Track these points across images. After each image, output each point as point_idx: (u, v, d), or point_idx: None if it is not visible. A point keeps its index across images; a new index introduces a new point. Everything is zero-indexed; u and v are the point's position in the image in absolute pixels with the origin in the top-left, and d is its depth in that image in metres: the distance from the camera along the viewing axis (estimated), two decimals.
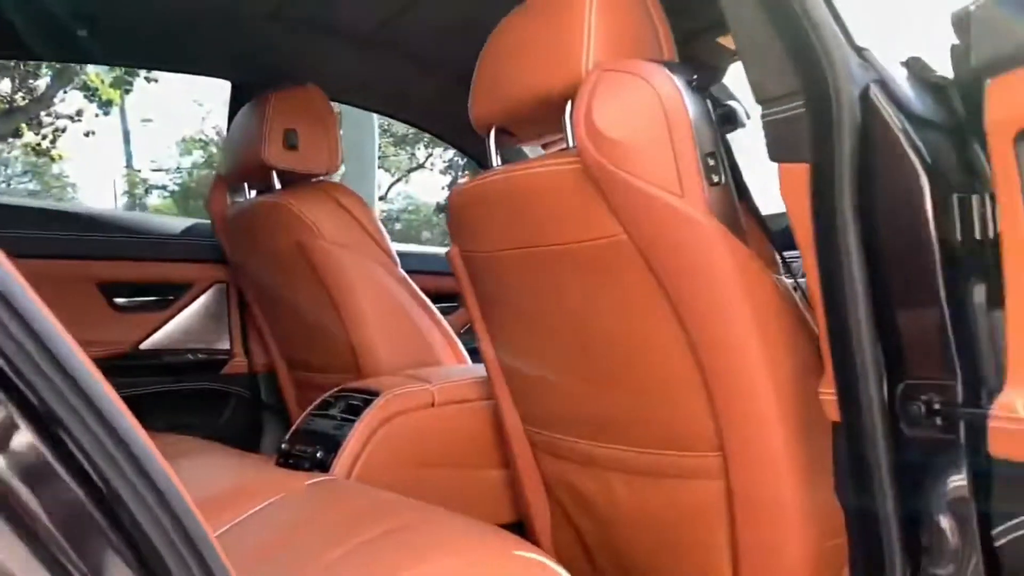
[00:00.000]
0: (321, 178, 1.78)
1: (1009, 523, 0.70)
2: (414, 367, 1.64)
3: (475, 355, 1.50)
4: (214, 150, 13.09)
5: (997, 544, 0.69)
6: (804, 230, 0.88)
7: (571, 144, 1.01)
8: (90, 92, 8.67)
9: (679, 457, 1.06)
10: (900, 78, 0.83)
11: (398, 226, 15.12)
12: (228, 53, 1.90)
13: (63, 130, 9.28)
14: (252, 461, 1.48)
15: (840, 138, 0.83)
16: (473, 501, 1.40)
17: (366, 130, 5.65)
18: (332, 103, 1.82)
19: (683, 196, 0.94)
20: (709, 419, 1.01)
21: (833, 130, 0.83)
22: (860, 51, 0.84)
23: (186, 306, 1.96)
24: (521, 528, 1.41)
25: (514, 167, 1.10)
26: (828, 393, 0.90)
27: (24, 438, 0.37)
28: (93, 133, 9.53)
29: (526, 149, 1.64)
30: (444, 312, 1.85)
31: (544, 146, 1.41)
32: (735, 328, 0.95)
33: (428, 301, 1.77)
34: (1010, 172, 0.69)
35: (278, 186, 1.74)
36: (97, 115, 9.27)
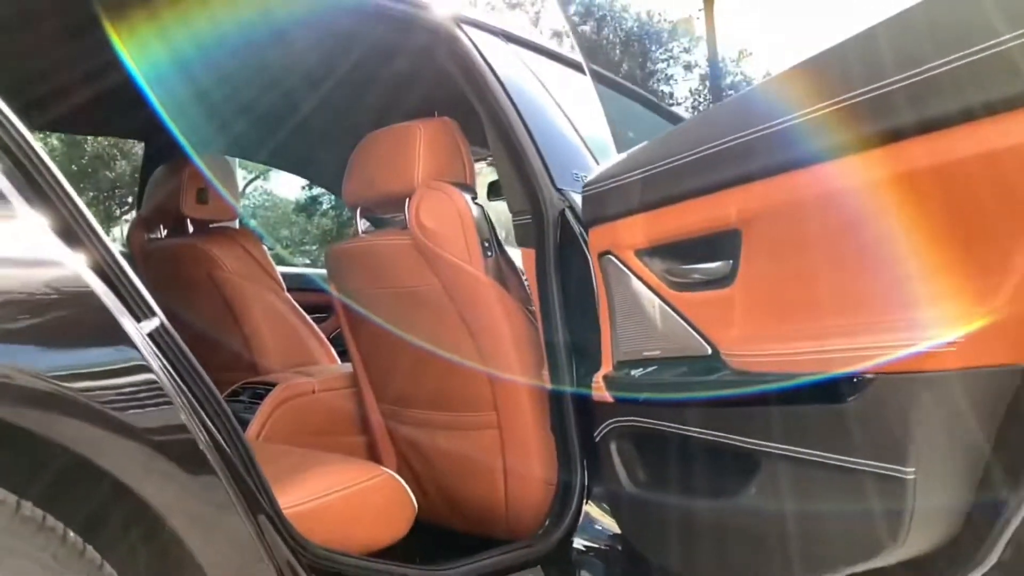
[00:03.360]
0: (224, 224, 2.36)
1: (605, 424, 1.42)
2: (298, 366, 2.26)
3: (343, 356, 2.12)
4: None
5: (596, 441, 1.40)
6: (532, 279, 1.59)
7: (407, 226, 1.68)
8: None
9: (471, 416, 1.74)
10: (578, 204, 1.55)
11: (254, 222, 15.03)
12: (143, 119, 2.43)
13: None
14: None
15: (548, 236, 1.54)
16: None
17: None
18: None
19: (471, 263, 1.63)
20: (488, 392, 1.70)
21: (545, 232, 1.55)
22: (559, 190, 1.56)
23: None
24: None
25: (373, 237, 1.76)
26: (546, 374, 1.62)
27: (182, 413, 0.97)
28: None
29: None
30: (317, 321, 2.47)
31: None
32: (501, 337, 1.65)
33: (306, 315, 2.39)
34: (597, 268, 1.40)
35: (191, 229, 2.31)
36: None
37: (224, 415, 1.04)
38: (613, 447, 1.34)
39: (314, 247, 15.66)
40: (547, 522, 1.58)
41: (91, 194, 13.64)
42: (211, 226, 2.35)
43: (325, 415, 2.07)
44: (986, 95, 0.83)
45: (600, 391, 1.34)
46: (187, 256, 2.28)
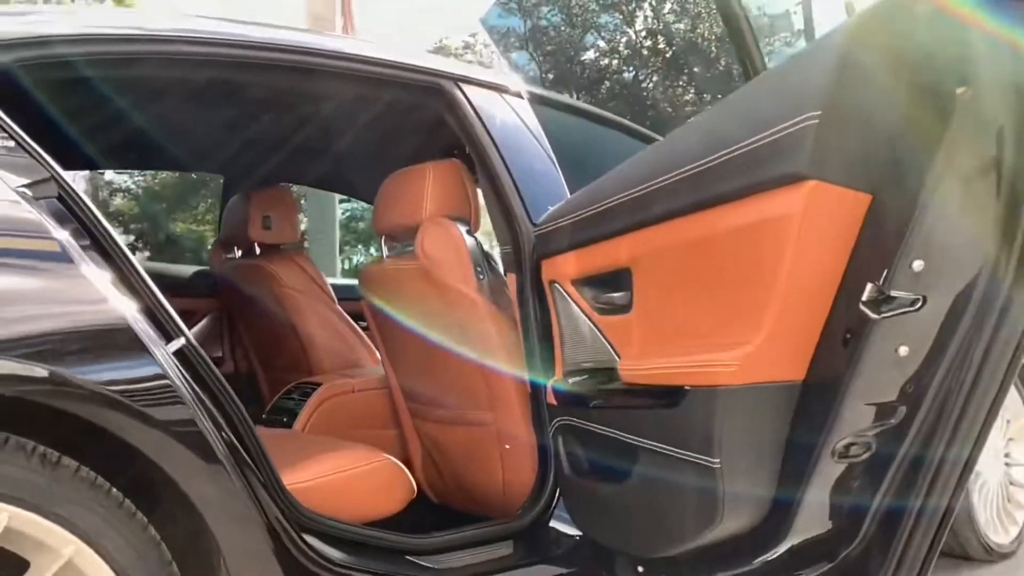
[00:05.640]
0: (286, 246, 2.76)
1: (554, 422, 1.71)
2: (345, 368, 2.63)
3: None
4: None
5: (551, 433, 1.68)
6: (514, 296, 1.88)
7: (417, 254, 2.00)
8: None
9: (472, 413, 2.05)
10: None
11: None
12: (222, 158, 2.87)
13: None
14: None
15: (525, 265, 1.83)
16: (379, 447, 2.35)
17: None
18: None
19: (466, 285, 1.93)
20: (485, 393, 2.00)
21: (523, 261, 1.83)
22: (534, 223, 1.85)
23: (193, 327, 2.93)
24: (406, 463, 2.39)
25: (391, 261, 2.10)
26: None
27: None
28: None
29: None
30: (365, 329, 2.84)
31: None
32: (492, 347, 1.95)
33: (353, 323, 2.75)
34: (548, 293, 1.66)
35: (258, 251, 2.72)
36: None
37: (238, 412, 1.38)
38: (559, 441, 1.62)
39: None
40: (525, 503, 1.87)
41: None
42: (280, 248, 2.75)
43: (361, 411, 2.42)
44: (728, 186, 1.07)
45: (549, 395, 1.62)
46: (254, 274, 2.69)
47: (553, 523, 1.85)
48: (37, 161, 1.28)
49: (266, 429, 2.28)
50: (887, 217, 1.05)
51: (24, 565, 1.14)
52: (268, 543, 1.33)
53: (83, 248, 1.24)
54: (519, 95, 2.09)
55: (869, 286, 1.06)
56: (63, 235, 1.22)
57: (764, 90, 1.22)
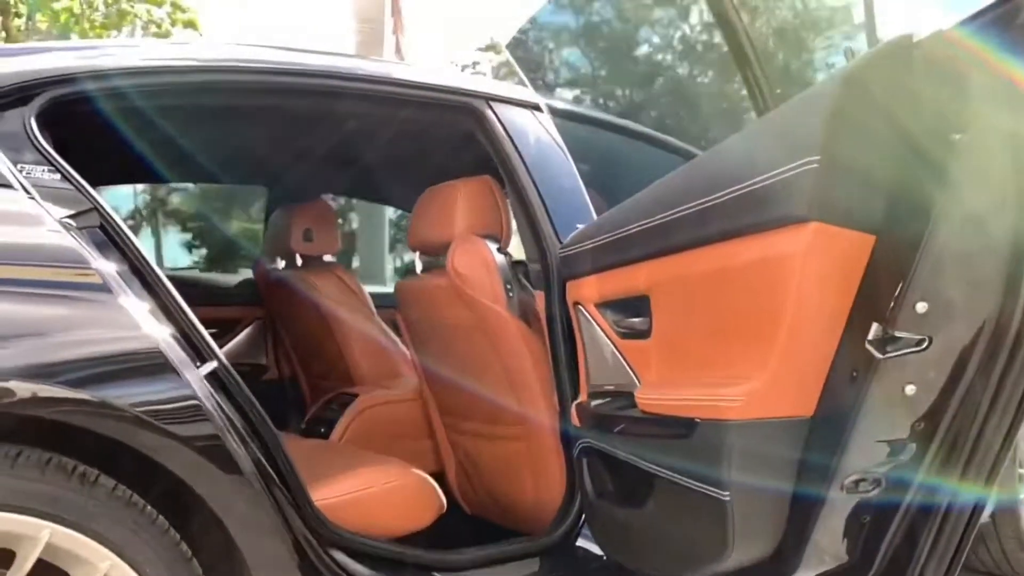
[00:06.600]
0: (327, 258, 2.84)
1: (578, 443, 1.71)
2: (383, 378, 2.69)
3: None
4: None
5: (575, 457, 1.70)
6: (543, 313, 1.90)
7: (448, 272, 2.04)
8: None
9: (505, 427, 2.08)
10: None
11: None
12: (266, 170, 2.96)
13: None
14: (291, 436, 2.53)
15: (553, 280, 1.85)
16: (414, 457, 2.42)
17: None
18: None
19: (495, 302, 1.97)
20: (515, 408, 2.03)
21: (551, 279, 1.86)
22: (562, 242, 1.87)
23: (238, 334, 3.03)
24: (440, 474, 2.44)
25: (424, 277, 2.14)
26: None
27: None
28: None
29: None
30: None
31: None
32: (523, 364, 1.98)
33: (391, 332, 2.81)
34: (573, 315, 1.69)
35: (300, 262, 2.80)
36: None
37: (268, 429, 1.44)
38: (584, 463, 1.64)
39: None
40: (553, 521, 1.89)
41: None
42: (322, 259, 2.83)
43: (398, 422, 2.47)
44: (733, 224, 1.08)
45: (573, 416, 1.65)
46: (295, 285, 2.76)
47: (580, 542, 1.87)
48: (80, 192, 1.36)
49: (302, 440, 2.35)
50: (891, 258, 1.05)
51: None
52: (294, 558, 1.38)
53: (121, 276, 1.31)
54: (546, 111, 2.11)
55: (875, 326, 1.06)
56: (103, 264, 1.30)
57: (767, 131, 1.23)
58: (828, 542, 1.15)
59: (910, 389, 1.08)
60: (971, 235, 1.02)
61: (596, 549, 1.81)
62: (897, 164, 1.05)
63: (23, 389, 1.15)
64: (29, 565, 1.15)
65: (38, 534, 1.15)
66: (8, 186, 1.31)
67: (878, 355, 1.06)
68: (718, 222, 1.16)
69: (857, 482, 1.12)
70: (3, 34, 7.46)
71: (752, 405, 1.13)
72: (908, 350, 1.05)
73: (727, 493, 1.16)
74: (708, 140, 2.51)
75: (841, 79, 1.11)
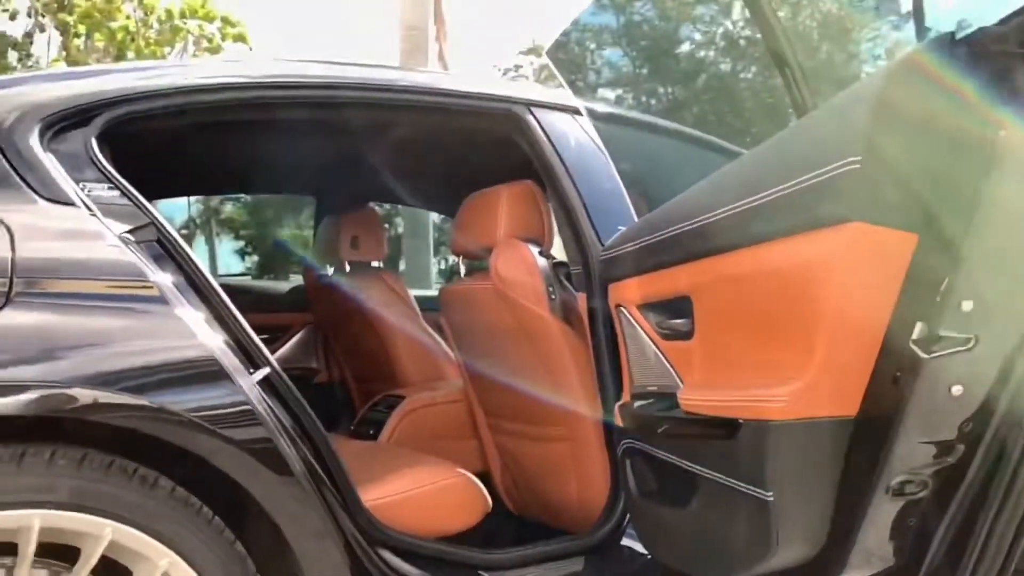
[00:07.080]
0: (374, 264, 2.89)
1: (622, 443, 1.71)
2: (429, 380, 2.73)
3: None
4: None
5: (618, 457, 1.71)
6: (585, 316, 1.91)
7: (491, 276, 2.06)
8: None
9: (548, 428, 2.09)
10: None
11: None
12: (315, 180, 3.03)
13: None
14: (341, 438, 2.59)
15: (594, 283, 1.86)
16: (459, 457, 2.45)
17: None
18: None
19: (538, 305, 1.98)
20: (559, 409, 2.04)
21: (592, 279, 1.87)
22: (604, 245, 1.88)
23: (289, 339, 3.10)
24: (486, 474, 2.47)
25: (469, 281, 2.17)
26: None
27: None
28: None
29: None
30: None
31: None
32: (566, 366, 1.99)
33: (436, 336, 2.85)
34: (615, 317, 1.69)
35: (348, 268, 2.86)
36: None
37: (319, 432, 1.48)
38: (627, 463, 1.65)
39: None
40: (598, 520, 1.90)
41: None
42: (370, 265, 2.88)
43: (444, 422, 2.51)
44: (773, 225, 1.08)
45: (616, 416, 1.66)
46: (344, 290, 2.82)
47: (625, 541, 1.88)
48: (138, 208, 1.42)
49: (352, 441, 2.40)
50: (933, 257, 1.04)
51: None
52: (344, 558, 1.42)
53: (177, 287, 1.36)
54: (585, 114, 2.12)
55: (919, 325, 1.05)
56: (160, 277, 1.36)
57: (808, 132, 1.22)
58: (874, 544, 1.14)
59: (957, 389, 1.07)
60: (1015, 231, 1.01)
61: (641, 548, 1.82)
62: (939, 161, 1.04)
63: (86, 396, 1.22)
64: (94, 561, 1.22)
65: (101, 532, 1.21)
66: (72, 204, 1.38)
67: (923, 355, 1.05)
68: (760, 223, 1.16)
69: (903, 484, 1.10)
70: (64, 54, 7.74)
71: (795, 405, 1.13)
72: (954, 349, 1.04)
73: (770, 493, 1.16)
74: (752, 136, 2.49)
75: (883, 78, 1.10)
